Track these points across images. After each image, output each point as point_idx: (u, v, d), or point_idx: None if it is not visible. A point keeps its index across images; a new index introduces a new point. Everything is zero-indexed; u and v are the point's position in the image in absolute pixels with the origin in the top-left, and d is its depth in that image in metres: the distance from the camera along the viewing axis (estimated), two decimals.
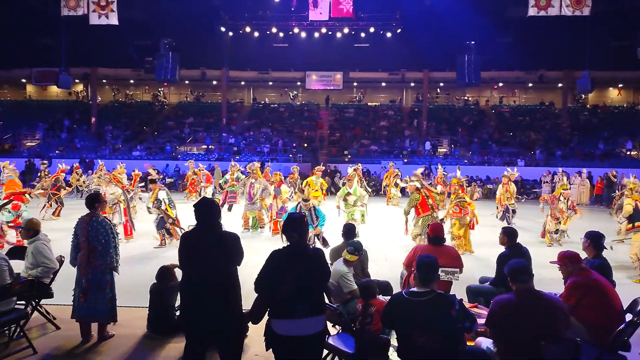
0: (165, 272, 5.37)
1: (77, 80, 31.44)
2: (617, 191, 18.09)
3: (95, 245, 4.71)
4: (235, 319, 3.63)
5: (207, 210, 3.65)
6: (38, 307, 5.17)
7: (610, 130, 28.66)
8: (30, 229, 5.29)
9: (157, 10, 22.39)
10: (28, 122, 29.92)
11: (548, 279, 6.17)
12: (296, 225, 3.42)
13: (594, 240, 4.97)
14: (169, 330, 5.02)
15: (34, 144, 28.27)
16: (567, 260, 4.32)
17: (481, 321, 3.81)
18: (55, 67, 23.90)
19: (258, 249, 9.11)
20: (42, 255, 5.15)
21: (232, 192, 13.00)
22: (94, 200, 4.93)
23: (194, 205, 3.70)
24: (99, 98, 31.99)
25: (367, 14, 24.28)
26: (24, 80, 32.74)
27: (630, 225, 8.34)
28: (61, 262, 5.43)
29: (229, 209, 13.49)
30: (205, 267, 3.52)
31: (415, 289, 3.34)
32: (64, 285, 5.54)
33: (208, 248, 3.55)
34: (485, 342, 3.75)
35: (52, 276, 5.26)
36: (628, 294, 4.48)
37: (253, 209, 10.95)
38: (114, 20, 19.22)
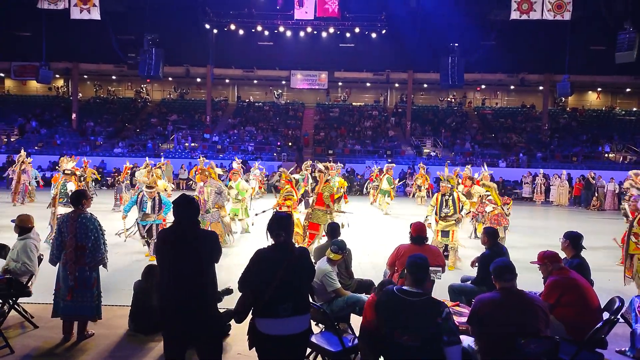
0: (152, 271, 5.31)
1: (57, 76, 30.75)
2: (596, 193, 18.47)
3: (84, 243, 4.62)
4: (213, 317, 3.57)
5: (186, 207, 3.55)
6: (15, 305, 5.05)
7: (589, 133, 29.29)
8: (23, 226, 5.16)
9: (141, 5, 22.05)
10: (7, 117, 29.27)
11: (527, 277, 6.27)
12: (284, 224, 3.39)
13: (573, 240, 5.06)
14: (152, 329, 4.96)
15: (12, 139, 27.64)
16: (546, 260, 4.41)
17: (463, 319, 3.86)
18: (35, 62, 23.40)
19: (239, 252, 9.10)
20: (26, 255, 5.05)
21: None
22: (80, 197, 4.82)
23: (173, 202, 3.61)
24: (80, 94, 31.40)
25: (352, 14, 24.37)
26: (2, 75, 31.94)
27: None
28: (40, 261, 5.32)
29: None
30: (183, 265, 3.45)
31: (407, 288, 3.32)
32: (42, 283, 5.44)
33: (186, 246, 3.46)
34: (467, 341, 3.79)
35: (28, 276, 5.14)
36: (605, 293, 4.59)
37: (207, 219, 8.79)
38: (95, 15, 18.88)
